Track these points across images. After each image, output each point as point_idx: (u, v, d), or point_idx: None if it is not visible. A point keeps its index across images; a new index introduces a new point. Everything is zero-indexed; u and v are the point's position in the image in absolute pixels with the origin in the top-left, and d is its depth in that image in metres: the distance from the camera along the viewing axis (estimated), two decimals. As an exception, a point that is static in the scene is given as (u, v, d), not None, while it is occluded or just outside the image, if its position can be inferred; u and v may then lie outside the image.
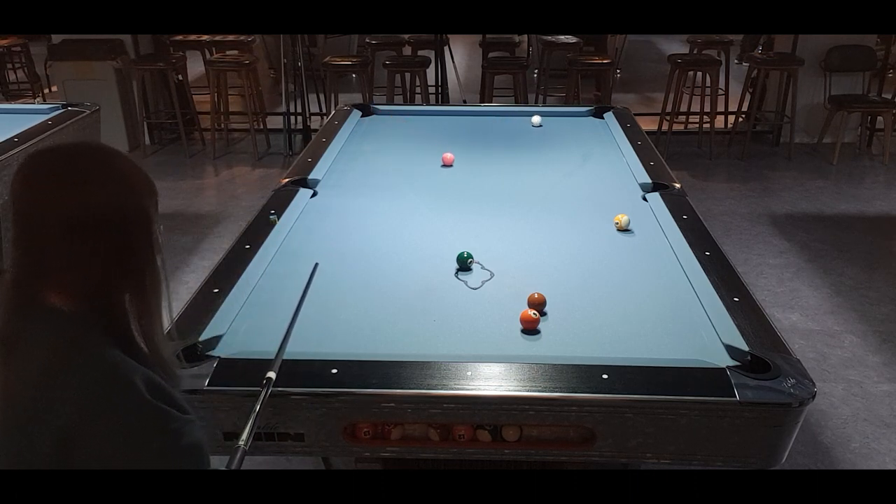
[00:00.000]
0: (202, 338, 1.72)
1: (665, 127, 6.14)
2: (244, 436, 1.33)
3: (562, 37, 6.65)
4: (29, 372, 1.03)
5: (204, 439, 1.10)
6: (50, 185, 1.03)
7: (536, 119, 3.30)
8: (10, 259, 1.06)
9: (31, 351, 1.04)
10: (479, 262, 2.13)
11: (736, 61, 7.92)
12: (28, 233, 1.05)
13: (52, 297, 1.05)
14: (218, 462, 1.26)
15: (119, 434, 1.01)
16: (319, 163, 2.96)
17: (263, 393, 1.44)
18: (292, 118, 6.15)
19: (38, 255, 1.04)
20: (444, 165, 2.93)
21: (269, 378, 1.48)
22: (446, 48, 6.15)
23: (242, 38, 6.93)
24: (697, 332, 1.79)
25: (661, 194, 2.62)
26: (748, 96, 6.34)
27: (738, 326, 1.76)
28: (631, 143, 3.20)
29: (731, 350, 1.68)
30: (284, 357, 1.56)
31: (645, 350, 1.72)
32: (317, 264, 1.97)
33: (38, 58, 7.32)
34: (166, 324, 1.17)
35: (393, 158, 3.17)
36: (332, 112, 4.25)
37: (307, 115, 6.15)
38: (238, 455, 1.27)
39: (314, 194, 2.71)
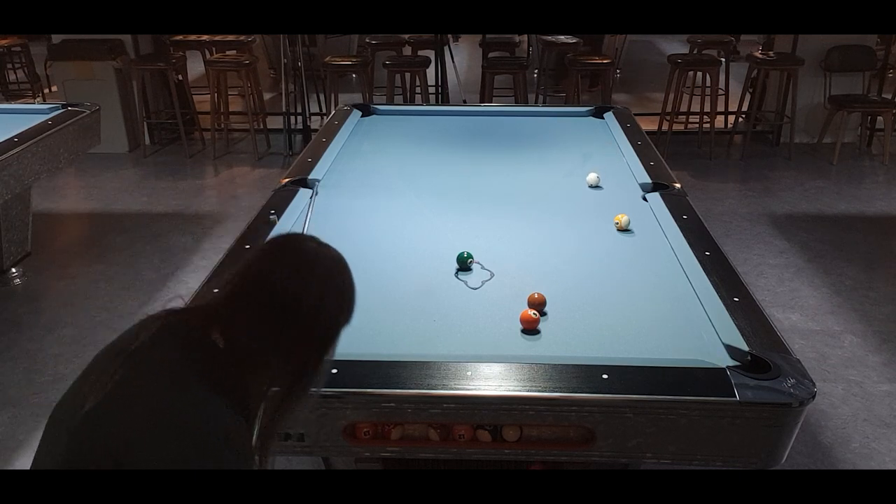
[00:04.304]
0: (202, 338, 1.72)
1: (665, 127, 6.14)
2: None
3: (562, 37, 6.65)
4: (137, 386, 1.05)
5: None
6: (286, 265, 1.12)
7: (592, 177, 2.79)
8: (219, 290, 1.15)
9: (159, 368, 1.07)
10: (479, 262, 2.13)
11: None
12: (239, 283, 1.13)
13: (213, 334, 1.10)
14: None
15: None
16: (319, 163, 2.96)
17: None
18: (292, 118, 6.16)
19: (232, 303, 1.12)
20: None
21: None
22: (446, 48, 6.15)
23: (242, 38, 6.93)
24: (697, 332, 1.79)
25: (661, 194, 2.62)
26: (748, 96, 6.34)
27: (738, 326, 1.76)
28: (631, 143, 3.19)
29: (731, 350, 1.68)
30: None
31: (645, 350, 1.72)
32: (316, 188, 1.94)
33: (38, 58, 7.32)
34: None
35: (393, 158, 3.17)
36: (332, 112, 4.25)
37: (307, 115, 6.15)
38: None
39: (314, 194, 2.71)
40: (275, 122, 6.42)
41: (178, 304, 1.20)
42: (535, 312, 1.81)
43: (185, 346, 1.09)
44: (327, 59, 6.30)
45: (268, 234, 2.29)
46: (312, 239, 1.17)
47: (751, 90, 6.34)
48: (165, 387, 1.05)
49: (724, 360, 1.64)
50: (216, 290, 1.16)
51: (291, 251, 1.14)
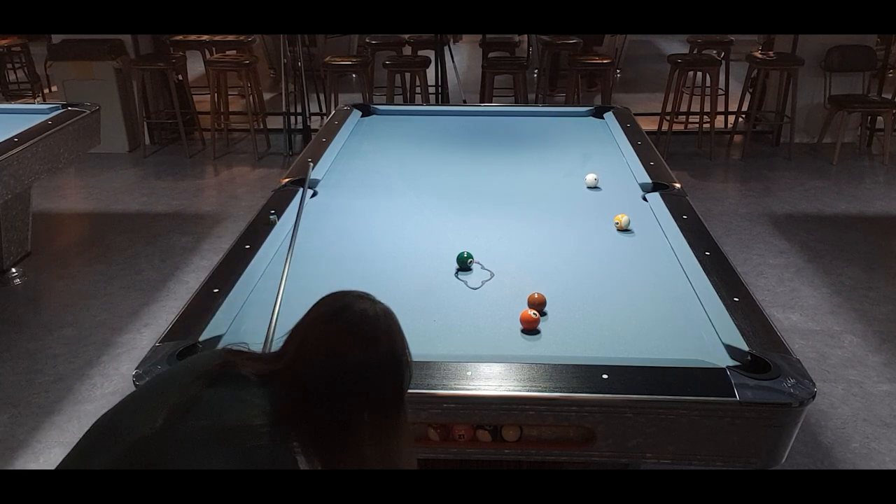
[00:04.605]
0: (202, 338, 1.72)
1: (665, 127, 6.14)
2: None
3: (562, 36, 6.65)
4: (195, 420, 1.09)
5: None
6: (344, 330, 1.14)
7: (591, 178, 2.78)
8: (282, 345, 1.18)
9: (222, 406, 1.11)
10: (479, 262, 2.13)
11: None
12: (301, 346, 1.15)
13: (280, 388, 1.14)
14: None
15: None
16: (319, 163, 2.96)
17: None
18: (292, 118, 6.16)
19: (292, 361, 1.15)
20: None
21: None
22: (446, 48, 6.14)
23: (242, 38, 6.93)
24: (697, 332, 1.79)
25: (661, 194, 2.62)
26: (748, 96, 6.34)
27: (738, 326, 1.76)
28: (631, 143, 3.19)
29: (731, 350, 1.68)
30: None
31: (645, 350, 1.72)
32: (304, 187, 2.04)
33: (38, 58, 7.32)
34: None
35: (393, 158, 3.17)
36: (332, 112, 4.25)
37: (307, 115, 6.15)
38: None
39: (314, 194, 2.71)
40: (275, 122, 6.42)
41: (243, 347, 1.25)
42: (535, 312, 1.81)
43: (249, 391, 1.13)
44: (327, 59, 6.30)
45: (268, 234, 2.29)
46: (362, 297, 1.20)
47: (751, 90, 6.34)
48: (223, 424, 1.08)
49: (724, 360, 1.64)
50: (279, 349, 1.19)
51: (346, 314, 1.16)
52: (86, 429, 1.15)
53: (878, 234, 4.64)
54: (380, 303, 1.21)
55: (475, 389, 1.54)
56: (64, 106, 3.97)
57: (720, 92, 6.27)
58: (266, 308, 1.90)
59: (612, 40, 8.04)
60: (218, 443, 1.06)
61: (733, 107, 6.48)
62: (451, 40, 7.42)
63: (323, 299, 1.21)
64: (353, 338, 1.14)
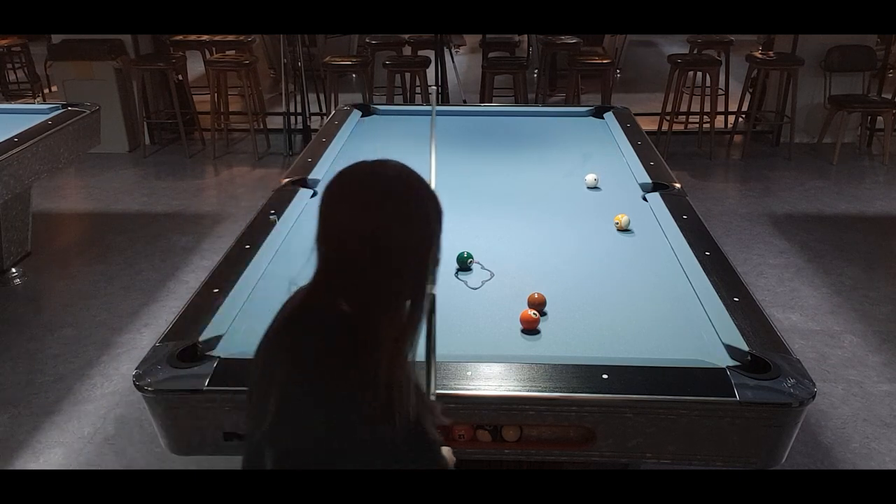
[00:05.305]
0: (202, 338, 1.72)
1: (665, 127, 6.14)
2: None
3: (562, 36, 6.65)
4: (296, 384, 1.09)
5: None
6: (350, 206, 1.08)
7: (591, 178, 2.79)
8: (316, 258, 1.13)
9: (306, 355, 1.10)
10: (479, 262, 2.13)
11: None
12: (325, 244, 1.11)
13: (339, 305, 1.10)
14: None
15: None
16: (319, 163, 2.96)
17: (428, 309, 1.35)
18: (292, 118, 6.16)
19: (329, 268, 1.11)
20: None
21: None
22: (447, 49, 6.14)
23: (242, 38, 6.93)
24: (697, 332, 1.79)
25: (661, 194, 2.62)
26: (748, 96, 6.34)
27: (738, 326, 1.76)
28: (631, 143, 3.19)
29: (731, 350, 1.68)
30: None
31: (645, 350, 1.72)
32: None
33: (38, 58, 7.33)
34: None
35: (393, 159, 3.16)
36: (332, 112, 4.25)
37: (307, 115, 6.15)
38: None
39: (314, 194, 2.71)
40: (275, 122, 6.42)
41: (299, 286, 1.19)
42: (535, 312, 1.81)
43: (329, 331, 1.10)
44: (327, 59, 6.30)
45: (268, 234, 2.29)
46: (365, 167, 1.13)
47: (751, 90, 6.34)
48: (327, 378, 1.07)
49: (724, 360, 1.64)
50: (316, 257, 1.13)
51: (351, 190, 1.10)
52: (85, 429, 1.15)
53: (878, 234, 4.64)
54: (385, 164, 1.14)
55: (475, 389, 1.54)
56: (64, 106, 3.97)
57: (720, 92, 6.27)
58: (266, 308, 1.90)
59: (612, 40, 8.04)
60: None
61: (733, 107, 6.48)
62: (454, 49, 7.38)
63: (326, 187, 1.12)
64: (366, 213, 1.07)
